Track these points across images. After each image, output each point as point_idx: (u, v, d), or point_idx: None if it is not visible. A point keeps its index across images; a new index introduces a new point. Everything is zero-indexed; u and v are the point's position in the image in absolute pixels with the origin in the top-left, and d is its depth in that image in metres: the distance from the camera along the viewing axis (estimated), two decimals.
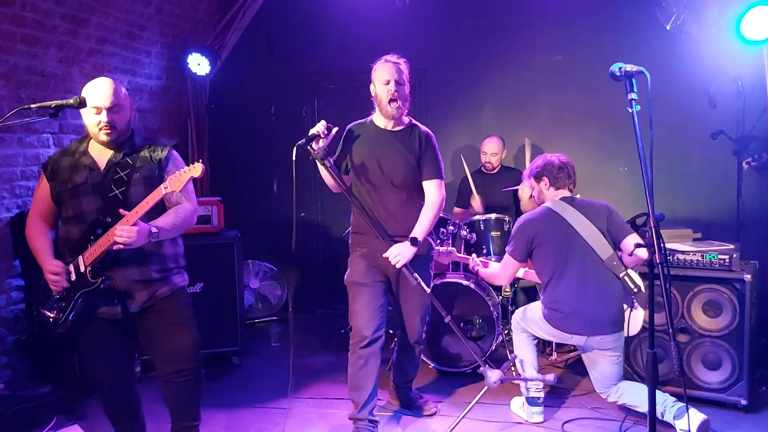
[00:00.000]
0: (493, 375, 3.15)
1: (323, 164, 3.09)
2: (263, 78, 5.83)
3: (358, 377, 3.25)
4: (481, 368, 3.23)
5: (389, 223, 3.28)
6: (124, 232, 2.51)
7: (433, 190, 3.32)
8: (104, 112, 2.69)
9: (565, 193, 3.48)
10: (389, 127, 3.34)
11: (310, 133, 3.02)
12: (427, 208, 3.30)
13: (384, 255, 3.15)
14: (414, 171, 3.31)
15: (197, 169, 2.53)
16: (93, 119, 2.71)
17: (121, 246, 2.53)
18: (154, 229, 2.60)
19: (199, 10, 5.35)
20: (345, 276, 3.40)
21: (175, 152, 2.94)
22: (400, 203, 3.30)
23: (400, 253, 3.13)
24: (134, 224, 2.53)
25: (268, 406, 3.82)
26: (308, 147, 3.01)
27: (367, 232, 3.26)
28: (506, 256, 3.52)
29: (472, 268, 3.88)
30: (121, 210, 2.57)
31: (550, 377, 3.29)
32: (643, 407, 3.16)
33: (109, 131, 2.71)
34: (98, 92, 2.70)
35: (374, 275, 3.33)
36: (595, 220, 3.35)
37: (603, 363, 3.35)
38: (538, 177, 3.52)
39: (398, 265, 3.13)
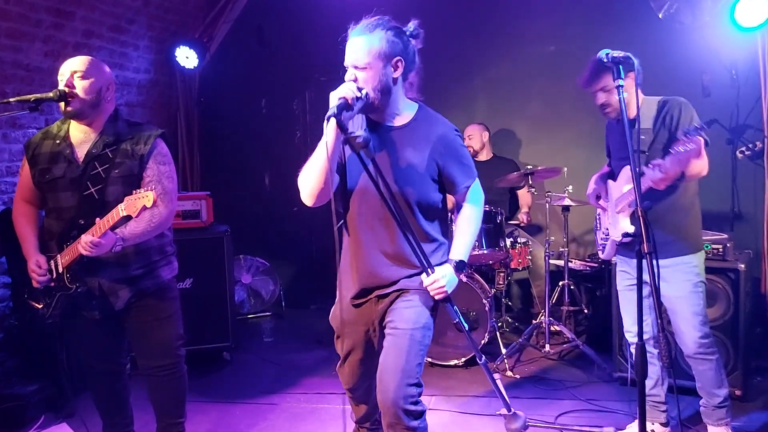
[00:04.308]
0: (517, 423, 2.46)
1: (360, 155, 2.19)
2: (253, 71, 5.77)
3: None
4: (502, 412, 2.49)
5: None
6: (88, 245, 2.46)
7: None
8: (67, 78, 2.59)
9: None
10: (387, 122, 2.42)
11: (339, 97, 2.14)
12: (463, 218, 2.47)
13: (425, 284, 2.32)
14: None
15: (149, 198, 2.41)
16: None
17: (89, 254, 2.50)
18: (119, 241, 2.54)
19: (188, 3, 5.30)
20: None
21: (161, 144, 2.75)
22: None
23: (444, 280, 2.30)
24: (102, 235, 2.48)
25: (259, 401, 3.79)
26: (341, 122, 2.13)
27: None
28: None
29: None
30: (98, 219, 2.51)
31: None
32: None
33: (69, 99, 2.57)
34: (68, 62, 2.63)
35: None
36: None
37: None
38: None
39: (439, 298, 2.33)
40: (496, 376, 2.45)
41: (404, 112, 2.37)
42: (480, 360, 2.41)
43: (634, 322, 2.67)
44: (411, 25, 2.31)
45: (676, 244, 2.89)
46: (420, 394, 2.36)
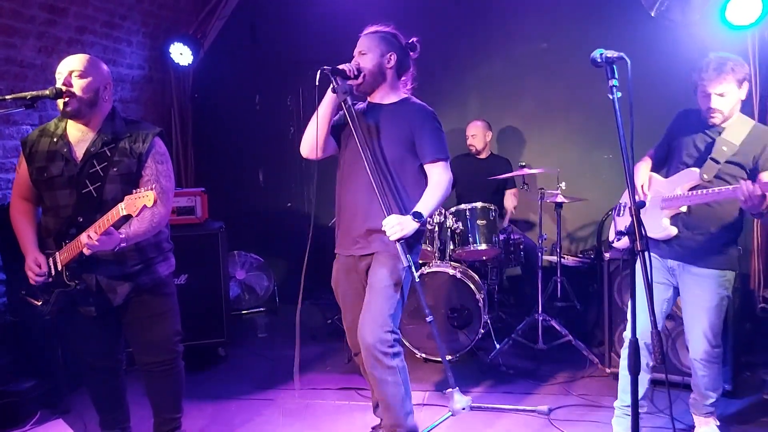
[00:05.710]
0: (460, 401, 2.76)
1: (343, 104, 2.71)
2: (247, 67, 5.78)
3: (366, 378, 3.07)
4: (449, 390, 2.79)
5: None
6: (91, 243, 2.46)
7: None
8: (65, 77, 2.58)
9: None
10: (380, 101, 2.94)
11: (341, 66, 2.74)
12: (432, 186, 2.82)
13: (383, 222, 2.68)
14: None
15: (150, 198, 2.42)
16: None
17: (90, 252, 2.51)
18: (123, 242, 2.55)
19: None
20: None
21: (159, 142, 2.77)
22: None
23: (400, 223, 2.64)
24: (106, 234, 2.48)
25: (254, 397, 3.81)
26: (333, 77, 2.69)
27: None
28: None
29: None
30: (98, 218, 2.52)
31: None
32: None
33: (66, 98, 2.56)
34: (66, 60, 2.63)
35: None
36: None
37: None
38: None
39: (393, 237, 2.63)
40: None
41: (394, 96, 2.92)
42: (428, 318, 2.72)
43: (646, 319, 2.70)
44: (412, 40, 2.95)
45: (722, 257, 2.91)
46: (396, 341, 2.76)
